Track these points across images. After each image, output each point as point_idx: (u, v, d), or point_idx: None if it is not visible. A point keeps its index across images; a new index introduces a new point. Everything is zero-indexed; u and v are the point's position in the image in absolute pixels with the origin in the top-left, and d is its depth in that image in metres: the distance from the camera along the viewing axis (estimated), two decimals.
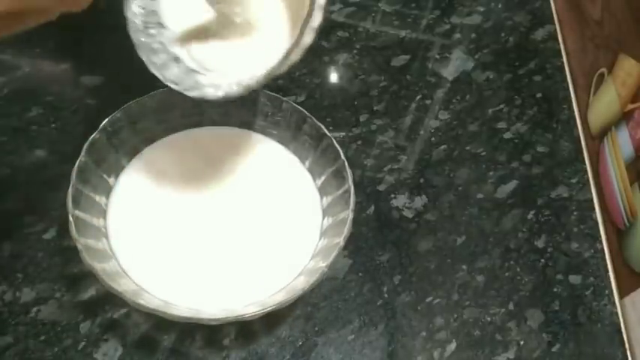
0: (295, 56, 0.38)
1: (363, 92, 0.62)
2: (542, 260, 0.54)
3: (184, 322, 0.40)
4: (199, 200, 0.49)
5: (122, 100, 0.48)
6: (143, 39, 0.41)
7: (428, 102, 0.62)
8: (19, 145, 0.54)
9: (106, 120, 0.47)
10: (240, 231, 0.48)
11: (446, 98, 0.63)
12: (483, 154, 0.59)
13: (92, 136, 0.46)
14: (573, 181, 0.59)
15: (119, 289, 0.39)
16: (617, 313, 0.52)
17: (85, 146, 0.45)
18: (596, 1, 0.65)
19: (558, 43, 0.69)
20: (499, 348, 0.49)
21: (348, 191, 0.46)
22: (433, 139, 0.60)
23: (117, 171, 0.48)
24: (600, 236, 0.56)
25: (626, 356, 0.50)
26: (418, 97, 0.62)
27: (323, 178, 0.50)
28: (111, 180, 0.48)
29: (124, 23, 0.41)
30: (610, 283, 0.54)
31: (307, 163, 0.51)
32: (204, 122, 0.52)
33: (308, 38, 0.37)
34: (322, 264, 0.43)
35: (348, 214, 0.45)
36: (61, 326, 0.46)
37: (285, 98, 0.50)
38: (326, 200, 0.49)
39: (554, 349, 0.50)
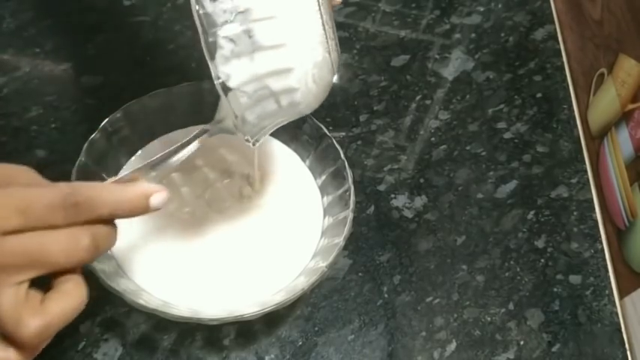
0: None
1: (363, 92, 0.62)
2: (542, 260, 0.54)
3: (184, 322, 0.40)
4: (199, 200, 0.49)
5: (122, 100, 0.48)
6: None
7: (428, 102, 0.62)
8: (19, 145, 0.54)
9: (106, 120, 0.47)
10: (240, 230, 0.48)
11: (446, 98, 0.63)
12: (483, 154, 0.59)
13: (92, 136, 0.46)
14: (573, 181, 0.59)
15: (119, 289, 0.39)
16: (617, 313, 0.52)
17: (85, 146, 0.45)
18: (596, 1, 0.65)
19: (558, 43, 0.69)
20: (499, 348, 0.49)
21: (348, 191, 0.46)
22: (433, 139, 0.60)
23: (117, 171, 0.48)
24: (600, 236, 0.56)
25: (626, 356, 0.50)
26: (418, 97, 0.62)
27: (323, 177, 0.50)
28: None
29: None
30: (610, 283, 0.54)
31: (308, 162, 0.51)
32: (204, 121, 0.52)
33: None
34: (322, 264, 0.43)
35: (348, 214, 0.45)
36: None
37: None
38: (326, 200, 0.49)
39: (554, 349, 0.50)
